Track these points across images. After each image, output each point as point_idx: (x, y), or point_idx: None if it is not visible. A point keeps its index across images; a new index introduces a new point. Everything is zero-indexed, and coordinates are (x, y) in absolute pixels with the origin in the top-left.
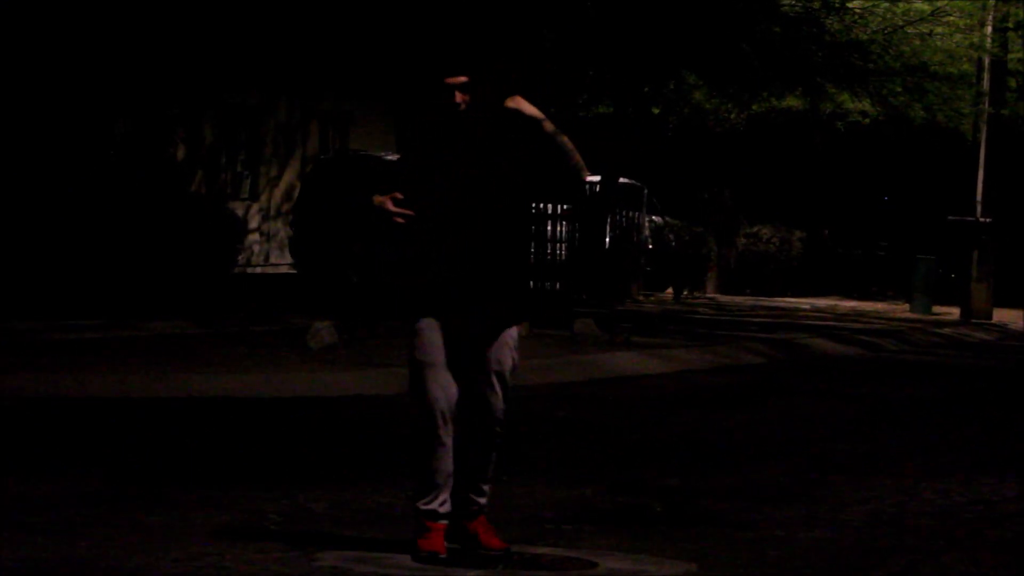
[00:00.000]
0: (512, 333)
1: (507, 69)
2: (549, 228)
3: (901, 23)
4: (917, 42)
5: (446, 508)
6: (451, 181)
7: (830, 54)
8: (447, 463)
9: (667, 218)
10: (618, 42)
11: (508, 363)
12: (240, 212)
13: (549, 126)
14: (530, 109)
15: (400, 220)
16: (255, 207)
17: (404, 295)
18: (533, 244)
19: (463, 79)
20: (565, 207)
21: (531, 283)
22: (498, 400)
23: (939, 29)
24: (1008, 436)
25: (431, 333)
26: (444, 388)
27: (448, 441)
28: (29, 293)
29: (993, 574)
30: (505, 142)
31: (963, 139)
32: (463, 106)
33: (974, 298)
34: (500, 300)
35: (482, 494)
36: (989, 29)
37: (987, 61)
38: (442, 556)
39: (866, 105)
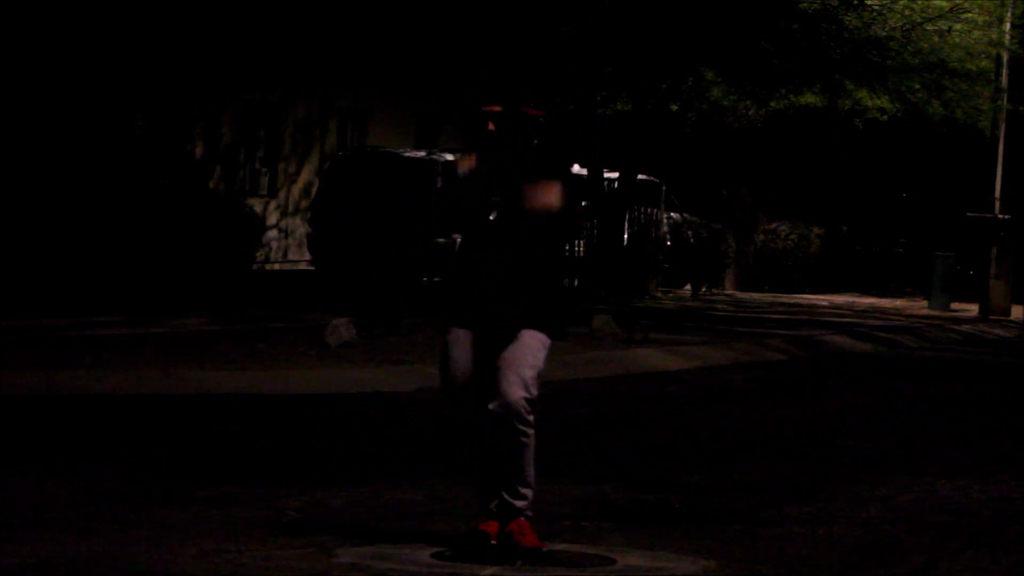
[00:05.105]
0: (533, 340)
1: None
2: None
3: (919, 20)
4: (935, 39)
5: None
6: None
7: (848, 51)
8: (471, 444)
9: (685, 215)
10: (637, 38)
11: (528, 359)
12: (258, 209)
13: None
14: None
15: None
16: (273, 204)
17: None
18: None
19: (497, 108)
20: (583, 203)
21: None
22: (515, 391)
23: (957, 26)
24: None
25: (457, 335)
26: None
27: (468, 416)
28: (49, 290)
29: (1013, 572)
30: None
31: (981, 136)
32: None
33: (993, 295)
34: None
35: (516, 496)
36: (1008, 26)
37: (1006, 57)
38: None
39: (884, 102)
